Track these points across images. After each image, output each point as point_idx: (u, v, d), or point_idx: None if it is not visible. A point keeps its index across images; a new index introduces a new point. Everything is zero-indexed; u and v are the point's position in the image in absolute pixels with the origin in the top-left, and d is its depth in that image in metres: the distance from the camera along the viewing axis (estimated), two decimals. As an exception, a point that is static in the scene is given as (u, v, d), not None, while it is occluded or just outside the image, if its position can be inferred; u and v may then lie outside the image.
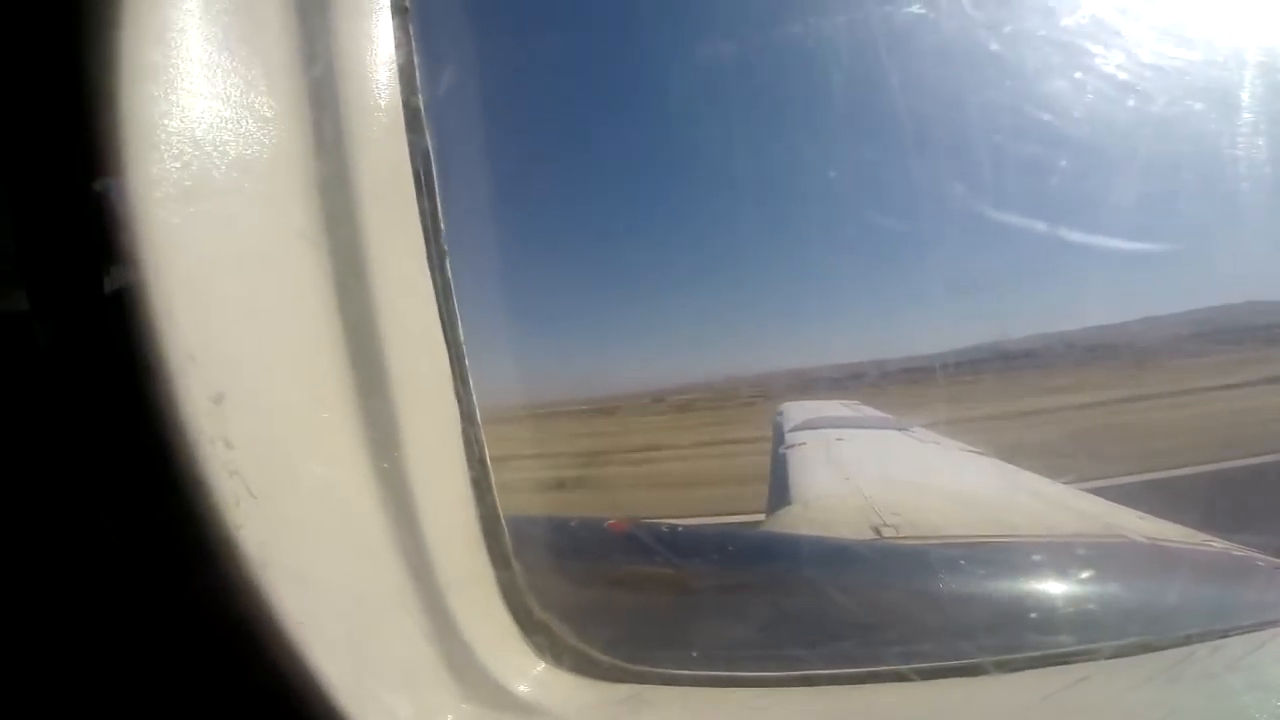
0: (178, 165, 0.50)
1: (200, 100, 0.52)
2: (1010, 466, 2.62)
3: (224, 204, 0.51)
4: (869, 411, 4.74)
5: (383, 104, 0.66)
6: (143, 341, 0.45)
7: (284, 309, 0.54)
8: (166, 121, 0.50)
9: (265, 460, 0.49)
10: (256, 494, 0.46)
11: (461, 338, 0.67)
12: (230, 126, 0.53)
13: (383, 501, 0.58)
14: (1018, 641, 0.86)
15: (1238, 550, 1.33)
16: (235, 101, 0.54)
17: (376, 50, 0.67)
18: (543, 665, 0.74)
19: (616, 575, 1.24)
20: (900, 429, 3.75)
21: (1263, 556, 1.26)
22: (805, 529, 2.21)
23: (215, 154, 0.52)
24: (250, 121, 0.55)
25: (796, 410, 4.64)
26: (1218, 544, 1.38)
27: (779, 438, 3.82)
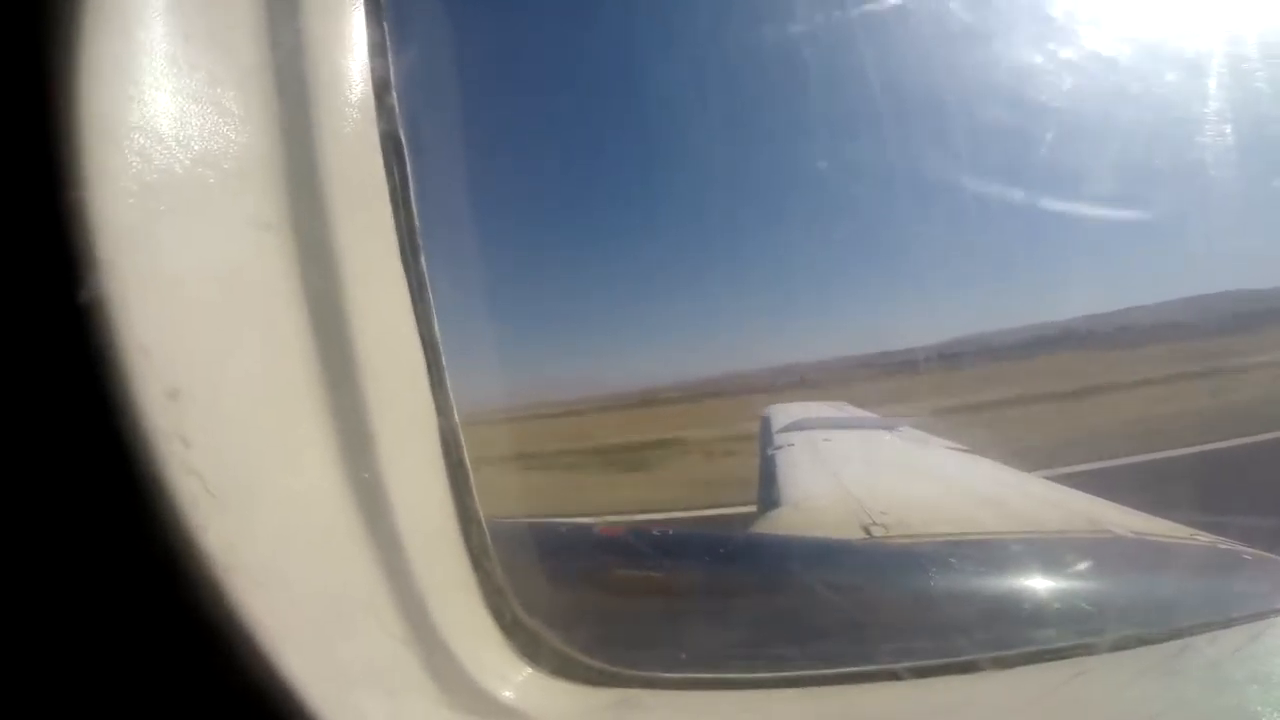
0: (138, 159, 0.48)
1: (163, 95, 0.51)
2: (996, 463, 2.64)
3: (185, 197, 0.50)
4: (855, 412, 4.77)
5: (355, 99, 0.65)
6: (97, 334, 0.43)
7: (247, 304, 0.52)
8: (127, 115, 0.48)
9: (226, 459, 0.47)
10: (216, 493, 0.44)
11: (437, 334, 0.65)
12: (194, 121, 0.52)
13: (355, 503, 0.56)
14: (1010, 637, 0.86)
15: (1223, 544, 1.34)
16: (200, 96, 0.53)
17: (349, 43, 0.66)
18: (528, 670, 0.72)
19: (607, 579, 1.22)
20: (887, 428, 3.77)
21: (1249, 550, 1.26)
22: (795, 530, 2.20)
23: (178, 148, 0.50)
24: (215, 116, 0.54)
25: (782, 412, 4.65)
26: (1204, 538, 1.39)
27: (766, 440, 3.82)
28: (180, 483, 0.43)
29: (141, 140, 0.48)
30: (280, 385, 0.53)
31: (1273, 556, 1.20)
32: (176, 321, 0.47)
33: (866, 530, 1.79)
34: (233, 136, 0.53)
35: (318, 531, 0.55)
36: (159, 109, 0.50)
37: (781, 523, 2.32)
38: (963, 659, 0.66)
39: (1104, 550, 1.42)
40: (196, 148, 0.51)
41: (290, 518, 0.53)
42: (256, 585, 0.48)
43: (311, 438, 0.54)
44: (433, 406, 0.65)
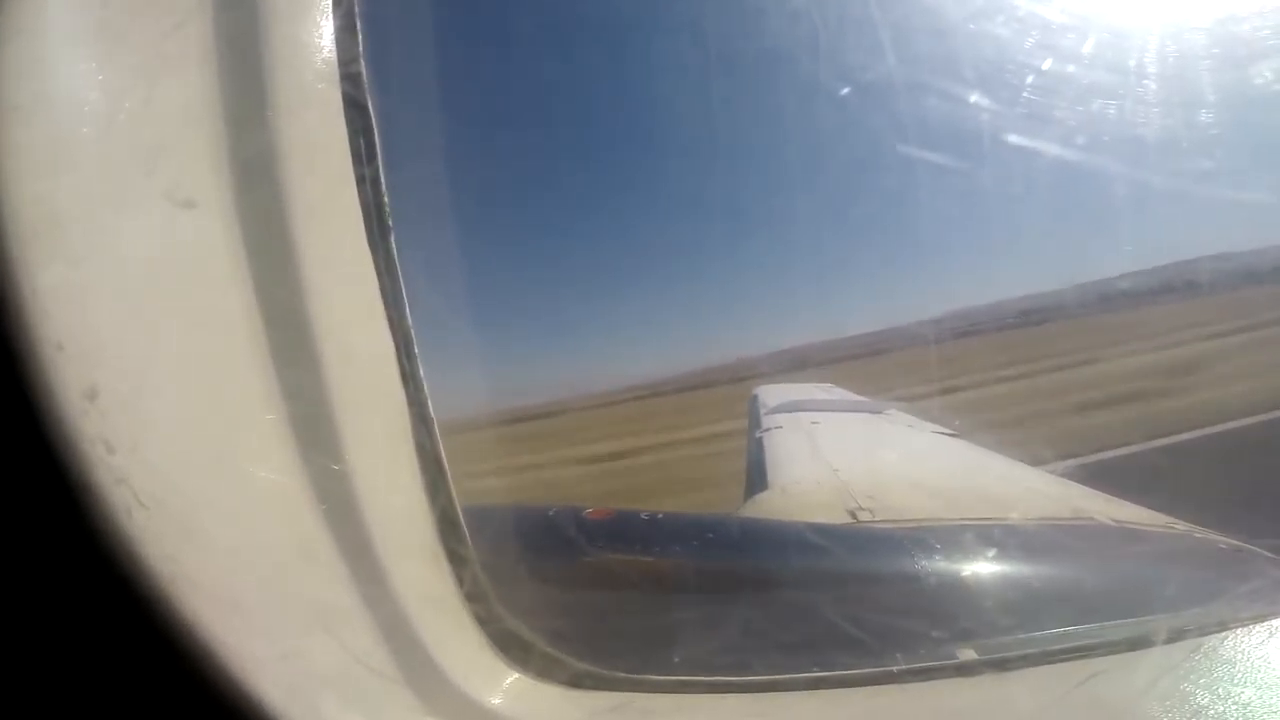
0: (51, 135, 0.43)
1: (85, 63, 0.45)
2: (982, 449, 2.66)
3: (108, 173, 0.44)
4: (844, 394, 4.79)
5: (317, 64, 0.59)
6: (9, 328, 0.38)
7: (182, 292, 0.47)
8: (39, 84, 0.43)
9: (157, 464, 0.42)
10: (148, 504, 0.40)
11: (409, 321, 0.60)
12: (124, 91, 0.46)
13: (319, 507, 0.52)
14: (1006, 631, 0.85)
15: (1199, 533, 1.35)
16: (129, 65, 0.47)
17: (312, 5, 0.59)
18: (515, 675, 0.69)
19: (596, 571, 1.20)
20: (875, 411, 3.79)
21: (1224, 539, 1.28)
22: (782, 514, 2.20)
23: (100, 122, 0.45)
24: (147, 84, 0.48)
25: (771, 393, 4.65)
26: (1181, 527, 1.40)
27: (754, 422, 3.83)
28: (110, 492, 0.38)
29: (57, 114, 0.43)
30: (222, 381, 0.48)
31: (1247, 546, 1.21)
32: (96, 313, 0.41)
33: (853, 514, 1.79)
34: (167, 106, 0.47)
35: (278, 538, 0.51)
36: (81, 79, 0.44)
37: (768, 507, 2.33)
38: (971, 660, 0.64)
39: (1086, 538, 1.43)
40: (122, 121, 0.45)
41: (243, 527, 0.48)
42: (207, 599, 0.44)
43: (264, 438, 0.49)
44: (404, 399, 0.60)
